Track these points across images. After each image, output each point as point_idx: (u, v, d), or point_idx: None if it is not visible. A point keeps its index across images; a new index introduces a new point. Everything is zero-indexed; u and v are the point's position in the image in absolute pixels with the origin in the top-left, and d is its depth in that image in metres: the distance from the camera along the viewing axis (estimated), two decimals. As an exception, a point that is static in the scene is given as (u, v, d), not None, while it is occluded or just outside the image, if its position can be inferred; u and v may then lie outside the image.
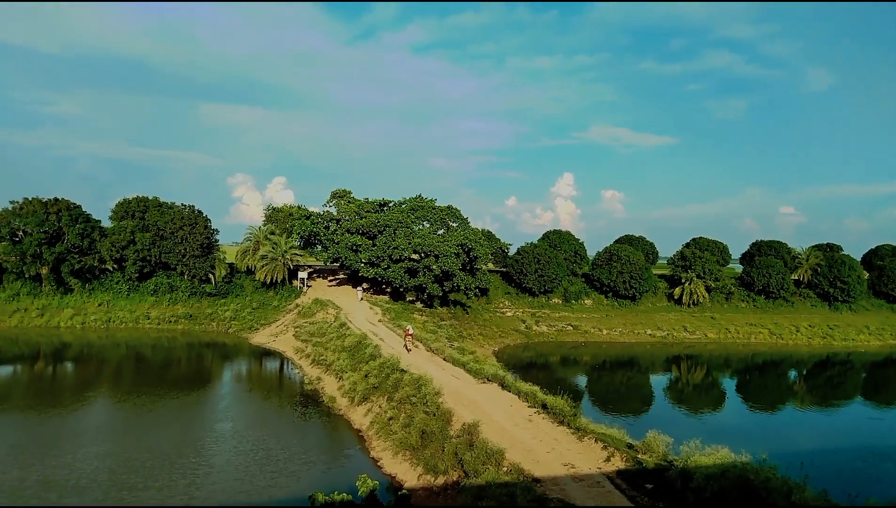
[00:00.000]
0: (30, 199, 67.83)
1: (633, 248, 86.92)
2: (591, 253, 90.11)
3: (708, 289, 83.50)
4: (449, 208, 73.57)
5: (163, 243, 69.53)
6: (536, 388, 30.21)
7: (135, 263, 68.77)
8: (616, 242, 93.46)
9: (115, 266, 70.48)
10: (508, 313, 76.02)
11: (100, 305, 67.04)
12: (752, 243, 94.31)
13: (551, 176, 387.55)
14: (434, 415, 28.01)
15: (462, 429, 25.81)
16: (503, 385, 32.27)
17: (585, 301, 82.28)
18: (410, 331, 45.82)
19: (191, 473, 25.50)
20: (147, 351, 56.25)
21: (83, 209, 69.97)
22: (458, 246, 65.81)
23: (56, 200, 68.58)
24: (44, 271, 66.23)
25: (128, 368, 49.86)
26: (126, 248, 68.71)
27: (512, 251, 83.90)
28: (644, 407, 45.66)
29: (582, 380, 55.20)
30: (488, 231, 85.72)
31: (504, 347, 65.22)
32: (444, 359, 40.28)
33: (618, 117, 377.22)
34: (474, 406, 28.79)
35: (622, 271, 79.84)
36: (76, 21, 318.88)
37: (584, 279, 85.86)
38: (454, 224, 72.38)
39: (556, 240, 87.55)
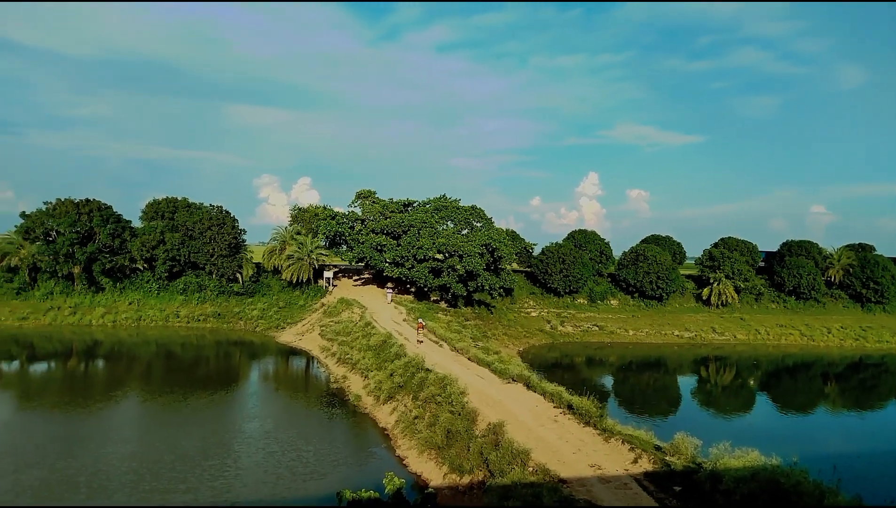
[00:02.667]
0: (62, 200, 69.50)
1: (660, 248, 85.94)
2: (616, 253, 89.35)
3: (737, 289, 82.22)
4: (473, 207, 73.54)
5: (191, 242, 70.69)
6: (562, 388, 30.08)
7: (164, 262, 69.99)
8: (642, 241, 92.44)
9: (145, 266, 71.83)
10: (533, 314, 75.73)
11: (130, 303, 68.37)
12: (783, 243, 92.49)
13: (576, 175, 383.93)
14: (459, 415, 28.05)
15: (487, 429, 25.81)
16: (528, 385, 32.19)
17: (611, 302, 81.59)
18: (422, 323, 48.91)
19: (220, 474, 25.62)
20: (176, 349, 57.23)
21: (114, 210, 71.51)
22: (482, 246, 65.78)
23: (87, 200, 70.14)
24: (76, 270, 67.71)
25: (157, 366, 50.80)
26: (156, 248, 69.97)
27: (536, 251, 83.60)
28: (672, 409, 45.13)
29: (608, 381, 54.78)
30: (513, 231, 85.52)
31: (529, 347, 65.00)
32: (469, 359, 40.29)
33: (644, 116, 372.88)
34: (499, 406, 28.76)
35: (649, 271, 79.02)
36: (104, 24, 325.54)
37: (609, 280, 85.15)
38: (478, 224, 72.33)
39: (582, 240, 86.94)
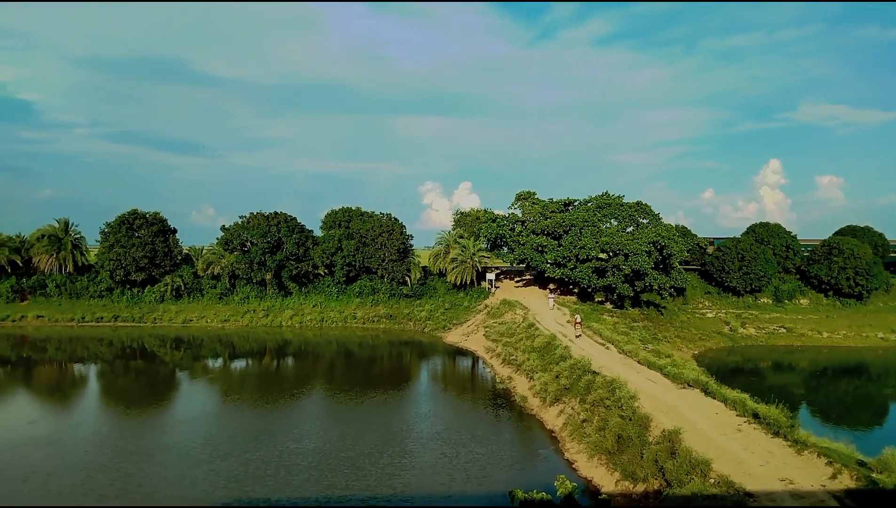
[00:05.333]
0: (255, 213, 77.97)
1: (858, 240, 76.13)
2: (804, 247, 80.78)
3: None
4: (638, 204, 70.57)
5: (365, 248, 75.63)
6: (745, 395, 27.72)
7: (342, 267, 75.61)
8: (836, 233, 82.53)
9: (325, 271, 78.06)
10: (709, 315, 70.84)
11: (314, 306, 74.64)
12: None
13: (754, 164, 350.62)
14: (630, 420, 26.97)
15: (662, 436, 24.53)
16: (706, 391, 30.10)
17: (800, 301, 73.95)
18: (579, 319, 49.68)
19: (396, 472, 26.53)
20: (354, 348, 61.40)
21: (298, 221, 78.74)
22: (649, 244, 62.81)
23: (276, 213, 77.87)
24: (267, 276, 75.32)
25: (338, 364, 54.93)
26: (334, 254, 75.85)
27: (710, 248, 78.17)
28: (877, 421, 39.91)
29: (798, 388, 49.54)
30: (683, 227, 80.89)
31: (705, 350, 60.86)
32: (639, 362, 38.61)
33: (833, 94, 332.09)
34: (674, 412, 27.21)
35: (845, 266, 70.44)
36: (286, 53, 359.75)
37: (797, 276, 77.28)
38: (644, 221, 69.21)
39: (763, 234, 79.69)
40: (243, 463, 27.31)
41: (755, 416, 25.29)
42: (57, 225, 77.87)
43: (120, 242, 72.81)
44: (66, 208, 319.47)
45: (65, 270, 75.97)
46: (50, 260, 75.19)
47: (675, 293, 68.82)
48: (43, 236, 76.54)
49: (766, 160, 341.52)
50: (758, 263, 71.25)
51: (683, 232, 78.48)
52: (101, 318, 71.11)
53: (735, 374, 51.94)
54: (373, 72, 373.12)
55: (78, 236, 78.49)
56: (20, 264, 75.53)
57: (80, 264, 77.51)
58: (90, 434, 32.04)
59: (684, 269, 70.28)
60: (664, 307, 69.18)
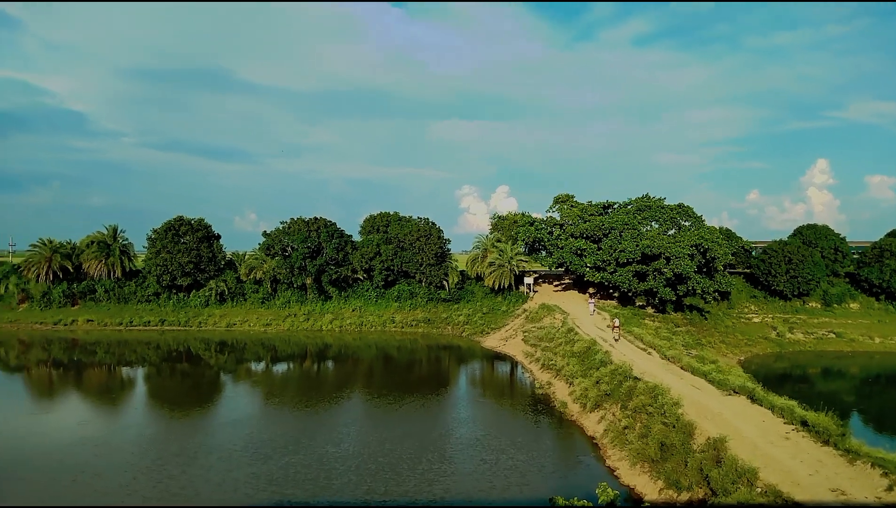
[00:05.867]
0: (295, 219, 79.20)
1: (913, 241, 73.24)
2: (854, 249, 78.07)
3: None
4: (679, 206, 69.26)
5: (403, 253, 76.11)
6: (794, 403, 26.86)
7: (381, 272, 76.24)
8: (888, 235, 79.43)
9: (364, 275, 78.78)
10: (755, 319, 69.03)
11: (353, 310, 75.42)
12: None
13: (801, 163, 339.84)
14: (674, 427, 26.45)
15: (706, 444, 23.99)
16: (753, 398, 29.31)
17: (851, 305, 71.47)
18: (617, 323, 48.53)
19: (436, 478, 26.41)
20: (393, 352, 61.80)
21: (337, 226, 79.61)
22: (691, 247, 61.55)
23: (315, 218, 78.97)
24: (308, 281, 76.43)
25: (377, 367, 55.34)
26: (373, 259, 76.53)
27: (756, 250, 76.20)
28: (937, 432, 38.11)
29: (849, 395, 47.82)
30: (727, 229, 79.02)
31: (751, 356, 59.30)
32: (682, 368, 37.84)
33: (884, 91, 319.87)
34: (719, 420, 26.57)
35: (898, 268, 67.73)
36: (325, 61, 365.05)
37: (847, 280, 74.68)
38: (686, 223, 67.88)
39: (811, 236, 77.31)
40: (283, 467, 27.58)
41: (804, 424, 24.52)
42: (106, 232, 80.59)
43: (166, 247, 74.91)
44: (114, 214, 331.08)
45: (113, 275, 78.49)
46: (99, 266, 77.78)
47: (719, 298, 67.26)
48: (93, 242, 79.30)
49: (813, 160, 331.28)
50: (805, 266, 69.17)
51: (727, 234, 76.69)
52: (149, 322, 73.27)
53: (782, 380, 50.49)
54: (410, 77, 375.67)
55: (126, 242, 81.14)
56: (71, 270, 78.30)
57: (127, 270, 79.99)
58: (136, 436, 32.93)
59: (729, 272, 68.66)
60: (708, 312, 67.68)
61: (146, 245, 77.67)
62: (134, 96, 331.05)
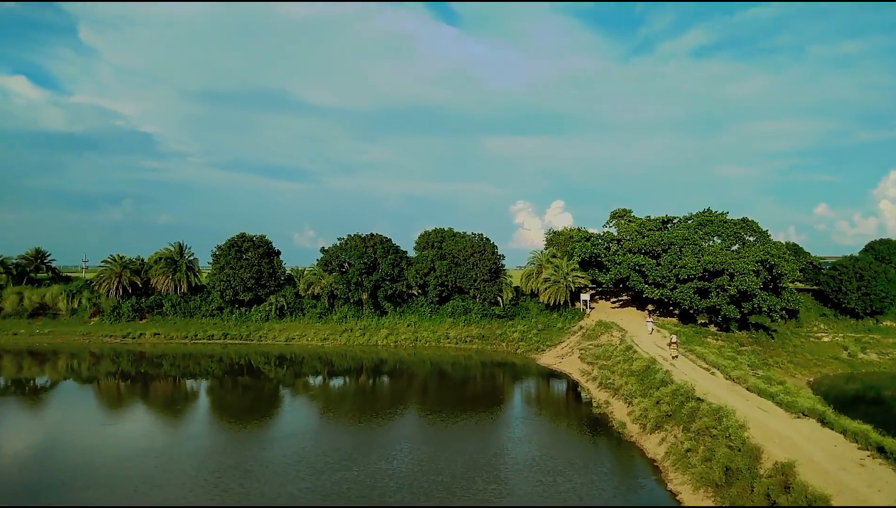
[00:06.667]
0: (352, 235, 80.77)
1: None
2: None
3: None
4: (743, 220, 66.97)
5: (457, 269, 76.27)
6: (868, 427, 25.35)
7: (435, 288, 76.56)
8: (973, 250, 74.69)
9: (419, 291, 79.30)
10: (825, 339, 65.72)
11: (408, 325, 75.90)
12: None
13: (872, 176, 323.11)
14: (739, 450, 25.34)
15: (774, 468, 22.88)
16: (823, 422, 27.82)
17: (932, 324, 67.15)
18: (675, 339, 47.57)
19: (491, 498, 25.93)
20: (448, 368, 61.73)
21: (392, 242, 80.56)
22: (757, 263, 59.31)
23: (371, 235, 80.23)
24: (364, 296, 77.48)
25: (432, 384, 55.35)
26: (428, 274, 76.98)
27: (825, 266, 72.78)
28: None
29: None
30: (794, 244, 75.94)
31: (821, 377, 56.44)
32: (748, 389, 36.30)
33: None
34: (787, 444, 25.32)
35: None
36: (381, 79, 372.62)
37: (927, 298, 70.26)
38: (751, 238, 65.53)
39: (884, 251, 73.36)
40: (337, 482, 27.61)
41: (880, 450, 23.09)
42: (172, 248, 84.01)
43: (230, 263, 77.46)
44: (180, 231, 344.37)
45: (179, 290, 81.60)
46: (166, 281, 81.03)
47: (786, 316, 64.46)
48: (160, 258, 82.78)
49: (885, 172, 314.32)
50: (878, 282, 65.58)
51: (795, 250, 73.62)
52: (212, 336, 75.72)
53: (855, 403, 47.76)
54: (465, 93, 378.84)
55: (191, 258, 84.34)
56: (140, 285, 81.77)
57: (193, 285, 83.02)
58: (195, 448, 33.85)
59: (797, 289, 65.73)
60: (775, 331, 64.86)
61: (210, 261, 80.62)
62: (199, 118, 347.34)
